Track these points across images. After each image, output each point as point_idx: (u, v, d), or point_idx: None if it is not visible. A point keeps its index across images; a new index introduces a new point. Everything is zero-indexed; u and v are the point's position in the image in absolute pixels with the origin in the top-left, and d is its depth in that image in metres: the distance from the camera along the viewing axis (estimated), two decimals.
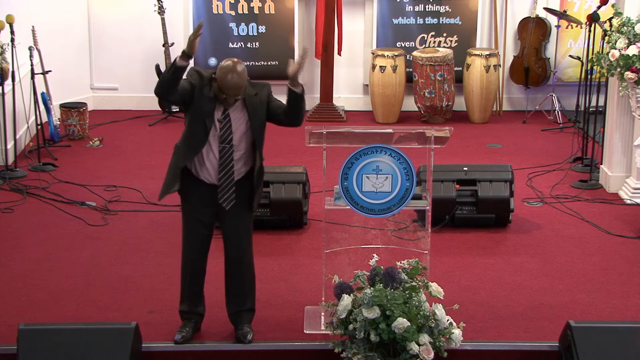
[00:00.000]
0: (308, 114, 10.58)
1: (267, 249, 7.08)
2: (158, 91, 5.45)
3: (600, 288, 6.50)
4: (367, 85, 10.69)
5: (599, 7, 8.80)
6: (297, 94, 5.49)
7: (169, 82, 5.36)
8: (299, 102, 5.51)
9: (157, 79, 10.17)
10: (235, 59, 5.44)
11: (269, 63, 10.80)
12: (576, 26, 10.62)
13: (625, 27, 7.89)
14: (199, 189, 5.65)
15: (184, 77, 5.42)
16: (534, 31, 10.68)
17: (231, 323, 5.82)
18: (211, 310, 6.09)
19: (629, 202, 8.07)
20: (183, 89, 5.42)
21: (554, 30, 10.69)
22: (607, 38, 8.12)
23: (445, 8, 10.72)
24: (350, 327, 5.37)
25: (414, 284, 5.49)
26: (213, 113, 5.48)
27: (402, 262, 5.61)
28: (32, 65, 8.89)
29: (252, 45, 10.76)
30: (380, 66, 10.30)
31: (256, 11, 10.69)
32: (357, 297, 5.42)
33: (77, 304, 6.19)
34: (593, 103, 8.84)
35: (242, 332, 5.71)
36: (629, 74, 7.76)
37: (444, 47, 10.74)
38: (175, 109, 10.40)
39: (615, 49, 7.86)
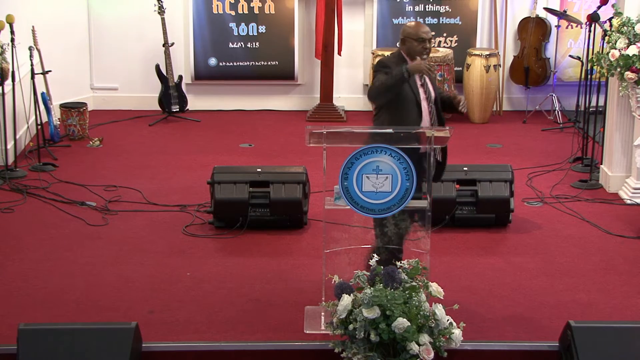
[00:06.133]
0: (308, 114, 10.59)
1: (267, 249, 7.08)
2: (376, 99, 6.01)
3: (600, 288, 6.50)
4: (367, 85, 10.69)
5: (599, 7, 8.80)
6: (456, 110, 6.14)
7: (393, 92, 5.84)
8: (448, 112, 6.23)
9: (158, 79, 10.32)
10: None
11: (269, 63, 10.80)
12: (576, 26, 10.63)
13: (625, 27, 7.89)
14: None
15: (382, 71, 5.92)
16: (534, 31, 10.68)
17: None
18: (211, 310, 6.10)
19: (629, 202, 8.07)
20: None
21: (554, 30, 10.70)
22: (607, 38, 8.12)
23: (445, 8, 10.73)
24: (350, 327, 5.38)
25: (414, 284, 5.49)
26: (415, 81, 5.94)
27: (402, 262, 5.61)
28: (32, 65, 8.89)
29: (252, 45, 10.76)
30: None
31: (256, 11, 10.70)
32: (357, 297, 5.42)
33: (77, 304, 6.19)
34: (593, 103, 8.84)
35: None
36: (629, 74, 7.77)
37: (444, 47, 10.74)
38: (175, 109, 10.40)
39: (615, 49, 7.86)
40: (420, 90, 5.98)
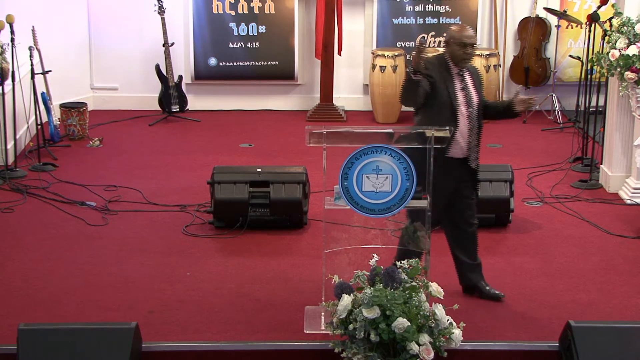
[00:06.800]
0: (308, 114, 10.59)
1: (267, 249, 7.08)
2: (405, 103, 6.04)
3: (600, 288, 6.50)
4: (367, 85, 10.69)
5: (599, 7, 8.80)
6: (515, 114, 6.13)
7: (412, 93, 5.86)
8: (504, 118, 6.30)
9: (158, 79, 10.32)
10: None
11: (269, 63, 10.80)
12: (576, 26, 10.63)
13: (625, 27, 7.89)
14: (445, 168, 5.96)
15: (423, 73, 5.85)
16: (534, 31, 10.68)
17: (465, 284, 6.32)
18: (211, 310, 6.10)
19: (629, 202, 8.07)
20: (422, 88, 5.84)
21: (554, 30, 10.70)
22: (607, 38, 8.12)
23: (445, 8, 10.73)
24: (350, 327, 5.37)
25: (414, 284, 5.49)
26: (454, 85, 5.94)
27: (402, 262, 5.61)
28: (32, 65, 8.89)
29: (252, 45, 10.76)
30: (380, 66, 10.30)
31: (256, 11, 10.70)
32: (357, 297, 5.42)
33: (77, 304, 6.19)
34: (593, 103, 8.84)
35: (491, 290, 6.26)
36: (629, 74, 7.77)
37: (444, 47, 10.73)
38: (175, 109, 10.40)
39: (615, 49, 7.86)
40: (460, 94, 5.95)
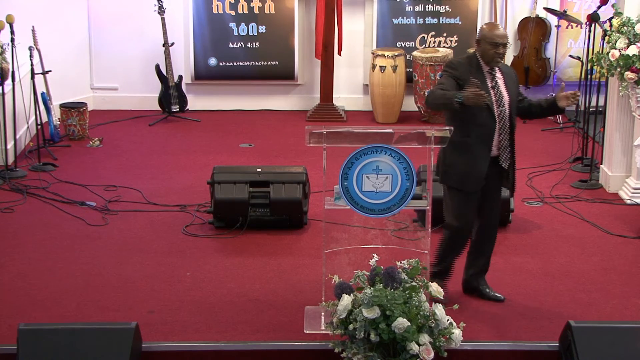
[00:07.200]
0: (308, 114, 10.58)
1: (267, 249, 7.08)
2: (432, 109, 6.21)
3: (600, 288, 6.50)
4: (367, 85, 10.69)
5: (599, 7, 8.80)
6: (558, 110, 6.13)
7: (444, 108, 5.98)
8: (550, 115, 6.48)
9: (158, 79, 10.31)
10: None
11: (269, 63, 10.79)
12: (576, 26, 10.63)
13: (625, 27, 7.89)
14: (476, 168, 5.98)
15: (446, 74, 5.90)
16: (534, 31, 10.68)
17: (468, 285, 6.32)
18: (211, 310, 6.10)
19: (629, 202, 8.07)
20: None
21: (554, 30, 10.70)
22: (607, 38, 8.12)
23: (445, 8, 10.72)
24: (350, 327, 5.37)
25: (414, 284, 5.49)
26: (486, 85, 5.89)
27: (402, 262, 5.61)
28: (32, 65, 8.89)
29: (252, 45, 10.76)
30: (380, 66, 10.30)
31: (256, 11, 10.69)
32: (357, 297, 5.42)
33: (77, 304, 6.19)
34: (593, 103, 8.84)
35: (491, 293, 6.28)
36: (629, 74, 7.76)
37: (444, 47, 10.74)
38: (175, 109, 10.40)
39: (615, 49, 7.86)
40: (491, 93, 5.90)
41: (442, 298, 5.56)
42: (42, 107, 9.12)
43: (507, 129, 5.96)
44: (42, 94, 9.22)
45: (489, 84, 5.92)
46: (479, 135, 5.90)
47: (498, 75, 5.98)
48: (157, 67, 10.32)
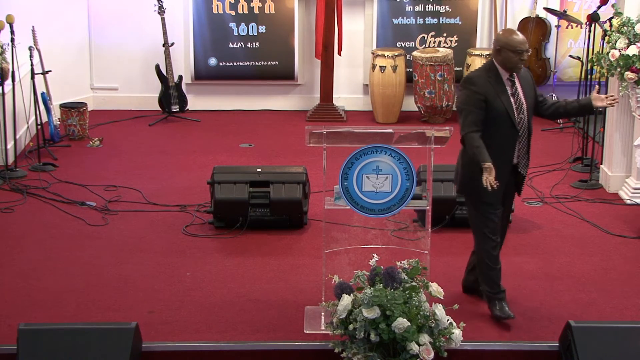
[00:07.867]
0: (308, 114, 10.59)
1: (267, 249, 7.08)
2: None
3: (600, 288, 6.50)
4: (367, 85, 10.69)
5: (599, 7, 8.80)
6: (591, 110, 6.09)
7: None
8: (580, 115, 6.28)
9: (158, 79, 10.31)
10: None
11: (269, 63, 10.80)
12: (576, 26, 10.63)
13: (625, 27, 7.89)
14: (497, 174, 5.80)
15: (466, 91, 5.79)
16: (534, 31, 10.68)
17: (468, 285, 6.32)
18: (211, 310, 6.10)
19: (629, 202, 8.07)
20: (481, 113, 5.73)
21: (554, 30, 10.70)
22: (607, 38, 8.12)
23: (445, 8, 10.73)
24: (350, 327, 5.38)
25: (414, 284, 5.49)
26: (507, 94, 5.80)
27: (402, 262, 5.61)
28: (32, 65, 8.89)
29: (252, 45, 10.76)
30: (380, 66, 10.30)
31: (256, 11, 10.69)
32: (357, 297, 5.42)
33: (77, 304, 6.19)
34: None
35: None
36: (629, 74, 7.76)
37: (444, 47, 10.74)
38: (175, 109, 10.40)
39: (615, 49, 7.86)
40: (511, 100, 5.79)
41: (442, 298, 5.56)
42: (42, 107, 9.12)
43: (526, 136, 5.86)
44: (42, 94, 9.22)
45: (509, 91, 5.79)
46: (500, 147, 5.79)
47: (517, 81, 5.85)
48: (157, 67, 10.32)
